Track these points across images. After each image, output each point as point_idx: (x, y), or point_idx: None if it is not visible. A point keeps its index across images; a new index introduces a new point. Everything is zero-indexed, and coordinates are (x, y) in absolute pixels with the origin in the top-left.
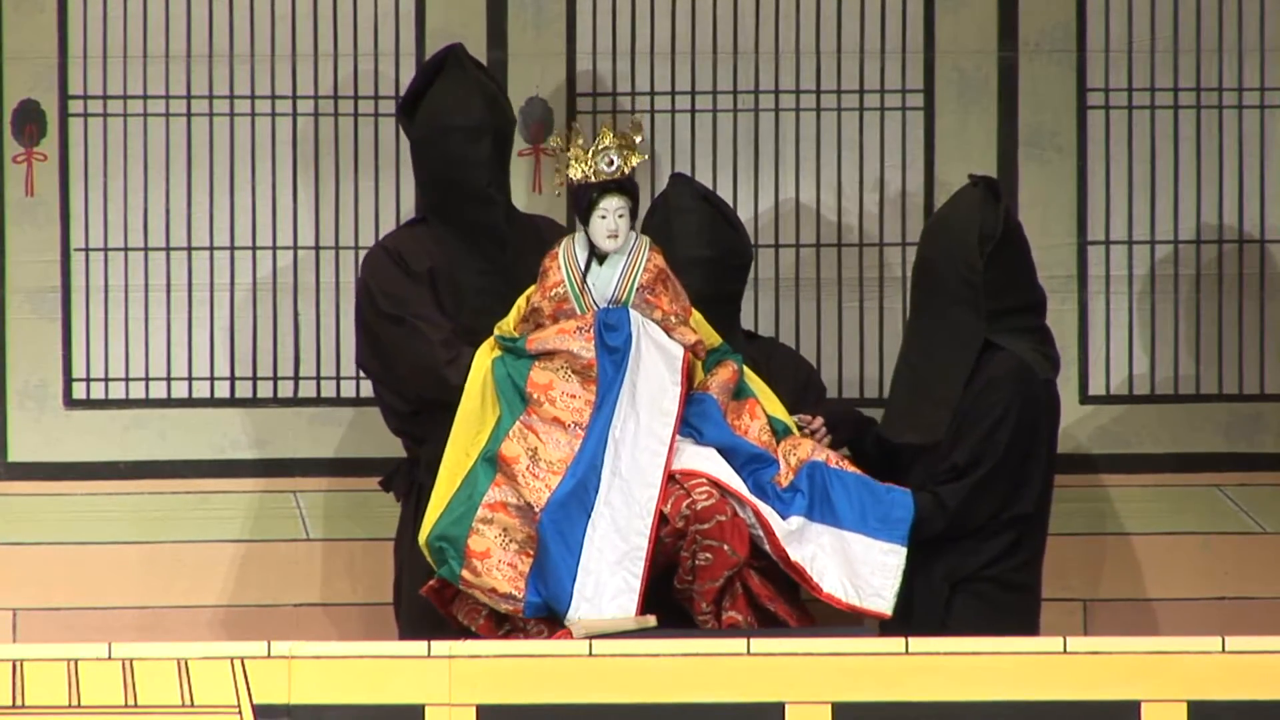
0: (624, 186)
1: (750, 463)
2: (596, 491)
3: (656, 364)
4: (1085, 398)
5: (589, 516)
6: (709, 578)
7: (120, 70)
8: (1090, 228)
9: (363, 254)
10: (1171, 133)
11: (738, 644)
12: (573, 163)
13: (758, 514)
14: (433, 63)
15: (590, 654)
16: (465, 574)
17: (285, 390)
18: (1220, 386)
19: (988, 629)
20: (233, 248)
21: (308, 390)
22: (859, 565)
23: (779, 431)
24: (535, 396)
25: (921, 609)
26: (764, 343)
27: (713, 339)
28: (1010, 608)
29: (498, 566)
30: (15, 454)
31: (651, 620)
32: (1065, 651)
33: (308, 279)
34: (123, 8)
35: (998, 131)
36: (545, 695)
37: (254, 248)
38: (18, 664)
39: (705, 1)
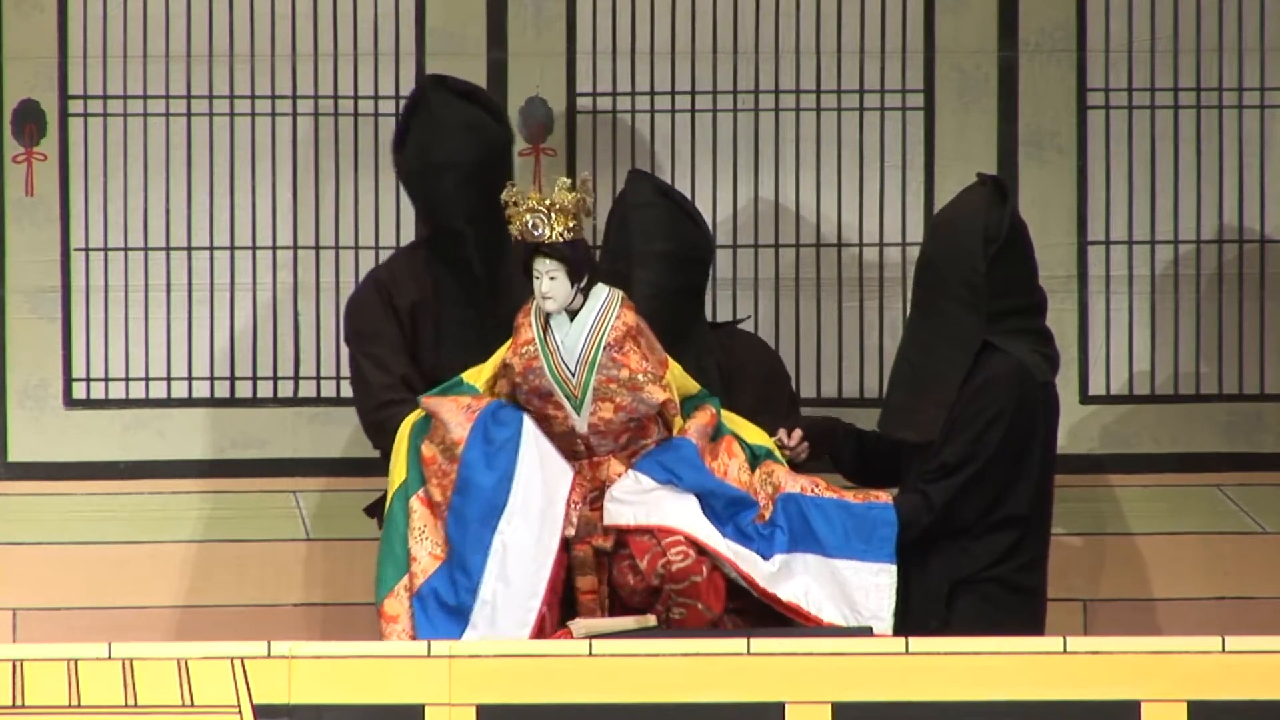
0: (554, 250)
1: (730, 506)
2: (474, 595)
3: (549, 473)
4: (1085, 398)
5: (468, 619)
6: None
7: (120, 70)
8: (1090, 228)
9: (363, 254)
10: (1171, 133)
11: (738, 644)
12: (512, 219)
13: (737, 569)
14: (409, 101)
15: (590, 654)
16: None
17: (285, 390)
18: (1220, 386)
19: (991, 631)
20: (233, 248)
21: (308, 390)
22: (853, 591)
23: (757, 456)
24: (425, 472)
25: (920, 609)
26: (726, 331)
27: (689, 388)
28: (1014, 610)
29: (405, 632)
30: (15, 454)
31: (651, 620)
32: (1065, 651)
33: (308, 279)
34: (123, 8)
35: (998, 131)
36: (545, 695)
37: (254, 248)
38: (18, 664)
39: (705, 1)
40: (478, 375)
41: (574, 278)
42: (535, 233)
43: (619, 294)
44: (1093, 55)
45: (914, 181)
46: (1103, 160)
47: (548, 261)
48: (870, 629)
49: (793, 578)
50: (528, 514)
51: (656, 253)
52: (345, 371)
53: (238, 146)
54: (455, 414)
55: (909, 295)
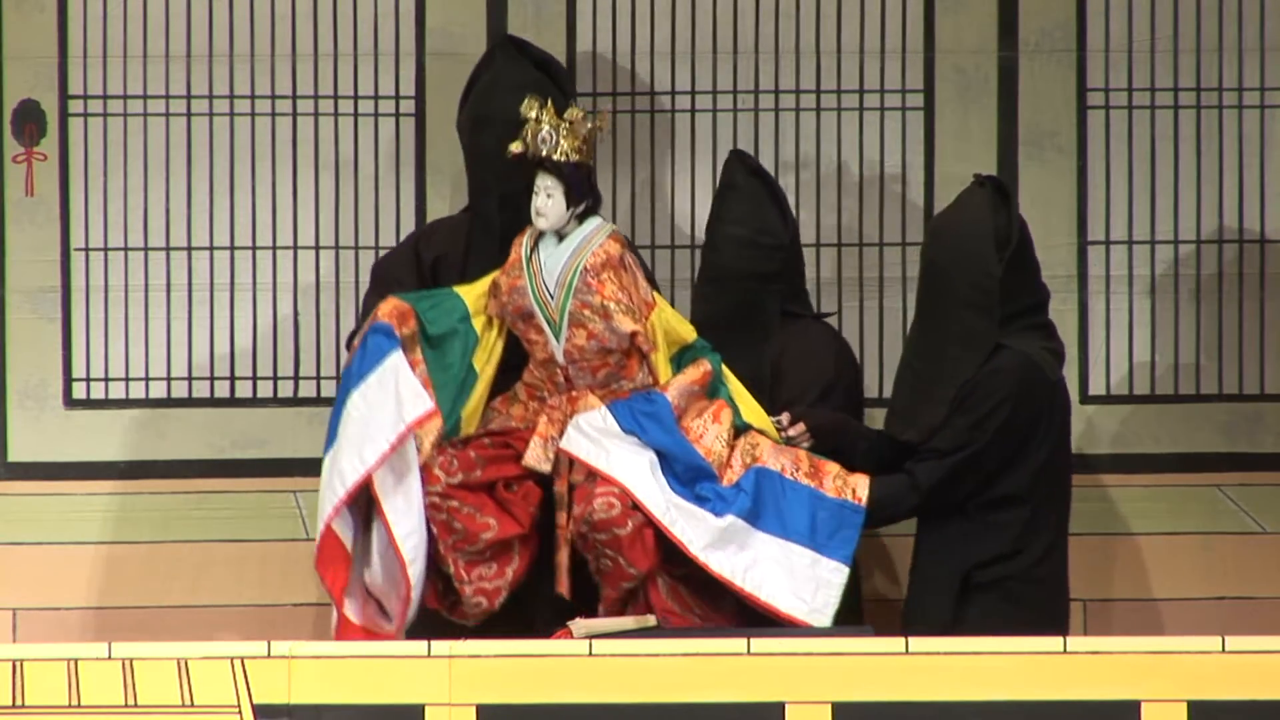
0: (557, 168)
1: (689, 471)
2: None
3: (386, 407)
4: (1085, 398)
5: None
6: (609, 585)
7: (120, 70)
8: (1090, 228)
9: (362, 254)
10: (1171, 133)
11: (738, 644)
12: (526, 132)
13: (668, 534)
14: (481, 58)
15: (590, 654)
16: None
17: (285, 390)
18: (1220, 386)
19: (1011, 628)
20: (233, 248)
21: (308, 390)
22: (802, 581)
23: (740, 429)
24: None
25: (931, 602)
26: (799, 327)
27: (682, 335)
28: (1034, 607)
29: None
30: (15, 454)
31: (651, 620)
32: (1065, 651)
33: (308, 279)
34: (123, 8)
35: (998, 131)
36: (545, 695)
37: (254, 248)
38: (18, 664)
39: (705, 1)
40: (470, 289)
41: (570, 200)
42: (543, 146)
43: (610, 226)
44: (1093, 55)
45: (914, 181)
46: (1103, 160)
47: (549, 178)
48: (870, 629)
49: (737, 551)
50: (346, 439)
51: (726, 235)
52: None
53: (238, 146)
54: (365, 325)
55: (909, 295)
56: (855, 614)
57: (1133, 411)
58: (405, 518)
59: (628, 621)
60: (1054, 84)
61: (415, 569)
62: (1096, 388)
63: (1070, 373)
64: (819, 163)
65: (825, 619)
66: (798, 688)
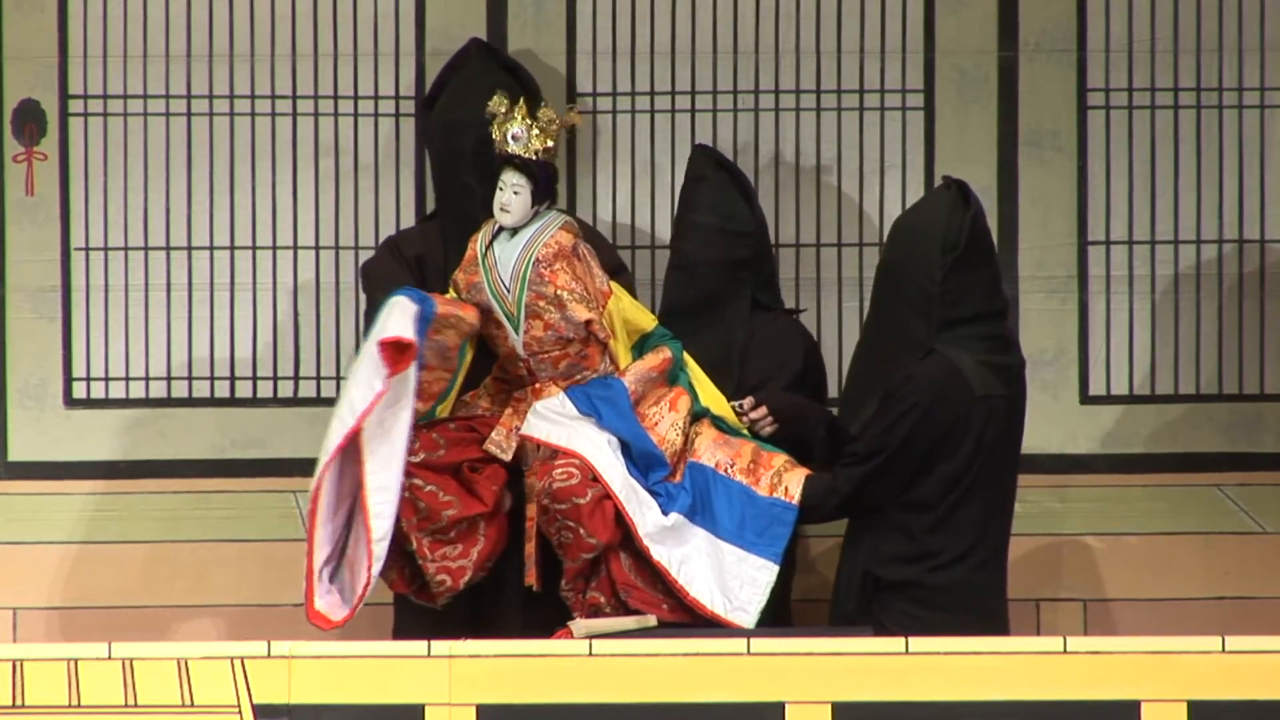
0: (527, 166)
1: (644, 458)
2: None
3: (370, 359)
4: (1085, 398)
5: None
6: (569, 557)
7: (120, 70)
8: (1090, 228)
9: (362, 254)
10: (1171, 133)
11: (738, 644)
12: (494, 128)
13: (622, 511)
14: (451, 60)
15: (590, 654)
16: None
17: (285, 390)
18: (1220, 386)
19: (924, 631)
20: (233, 248)
21: (308, 390)
22: (729, 578)
23: (698, 415)
24: None
25: (843, 591)
26: (768, 318)
27: (641, 323)
28: (948, 608)
29: None
30: (15, 454)
31: (652, 620)
32: (1065, 651)
33: (308, 279)
34: (123, 8)
35: (998, 131)
36: (545, 695)
37: (254, 248)
38: (18, 664)
39: (705, 1)
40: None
41: (536, 198)
42: (513, 143)
43: (562, 217)
44: (1093, 55)
45: (914, 181)
46: (1103, 160)
47: (517, 175)
48: (870, 629)
49: (677, 545)
50: (357, 372)
51: (694, 223)
52: (345, 371)
53: (238, 146)
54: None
55: (871, 292)
56: (784, 614)
57: (1133, 412)
58: (383, 470)
59: (628, 621)
60: (1054, 84)
61: (379, 524)
62: (1096, 388)
63: (1070, 373)
64: (819, 163)
65: (749, 617)
66: (798, 688)
